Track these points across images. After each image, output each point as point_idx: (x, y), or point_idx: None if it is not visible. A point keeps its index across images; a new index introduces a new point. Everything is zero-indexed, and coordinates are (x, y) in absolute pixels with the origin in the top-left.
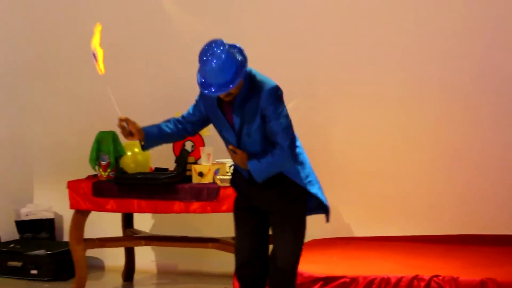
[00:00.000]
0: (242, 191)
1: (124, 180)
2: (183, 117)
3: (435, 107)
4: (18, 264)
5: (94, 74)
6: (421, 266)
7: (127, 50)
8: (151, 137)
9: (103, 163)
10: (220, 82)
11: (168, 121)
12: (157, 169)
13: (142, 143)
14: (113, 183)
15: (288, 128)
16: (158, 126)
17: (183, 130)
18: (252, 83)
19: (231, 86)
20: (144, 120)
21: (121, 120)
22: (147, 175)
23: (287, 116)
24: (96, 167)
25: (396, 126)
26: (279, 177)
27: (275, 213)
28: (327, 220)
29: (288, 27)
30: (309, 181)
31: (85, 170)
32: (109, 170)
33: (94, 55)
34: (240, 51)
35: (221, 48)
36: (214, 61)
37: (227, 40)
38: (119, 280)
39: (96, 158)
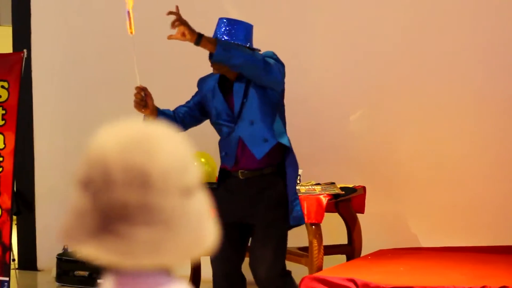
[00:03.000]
0: (227, 202)
1: None
2: (180, 110)
3: (501, 116)
4: (85, 273)
5: (152, 82)
6: (489, 276)
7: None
8: (163, 117)
9: None
10: (226, 33)
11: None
12: None
13: (148, 120)
14: None
15: (277, 65)
16: (171, 111)
17: (181, 123)
18: None
19: (234, 38)
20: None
21: (140, 89)
22: (213, 185)
23: (279, 62)
24: None
25: (463, 135)
26: (273, 179)
27: (260, 225)
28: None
29: (355, 39)
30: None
31: None
32: None
33: (128, 14)
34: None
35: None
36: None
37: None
38: None
39: None
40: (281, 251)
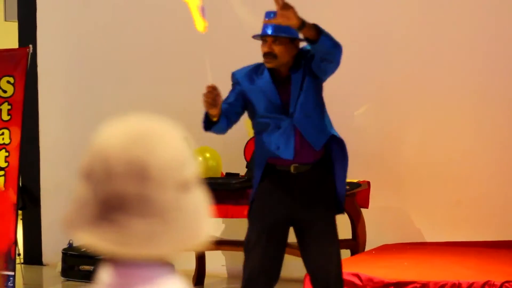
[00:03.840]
0: (276, 198)
1: None
2: (226, 109)
3: (508, 112)
4: (90, 268)
5: (159, 79)
6: (493, 271)
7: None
8: (222, 118)
9: None
10: (278, 26)
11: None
12: (228, 174)
13: (215, 119)
14: None
15: None
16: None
17: (229, 121)
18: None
19: (284, 33)
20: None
21: (213, 88)
22: (218, 180)
23: None
24: None
25: (468, 130)
26: (324, 173)
27: (316, 221)
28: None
29: (360, 35)
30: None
31: None
32: None
33: (203, 10)
34: None
35: None
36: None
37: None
38: (189, 284)
39: None
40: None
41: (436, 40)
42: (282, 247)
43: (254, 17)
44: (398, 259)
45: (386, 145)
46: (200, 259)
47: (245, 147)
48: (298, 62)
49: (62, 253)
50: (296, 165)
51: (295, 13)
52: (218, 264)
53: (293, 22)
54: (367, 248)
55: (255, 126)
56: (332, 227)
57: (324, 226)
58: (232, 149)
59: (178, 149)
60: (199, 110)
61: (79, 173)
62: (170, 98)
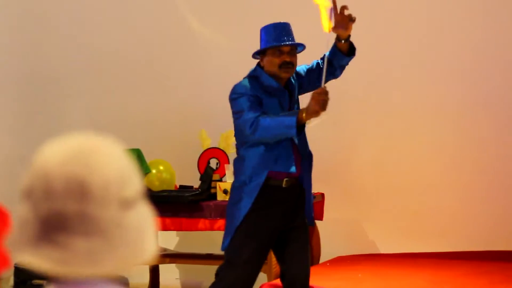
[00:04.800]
0: (270, 212)
1: (149, 198)
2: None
3: (460, 123)
4: (42, 282)
5: (113, 89)
6: (447, 282)
7: (138, 64)
8: None
9: None
10: (292, 35)
11: None
12: (182, 186)
13: (309, 124)
14: None
15: None
16: None
17: None
18: None
19: (301, 44)
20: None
21: (327, 92)
22: (172, 193)
23: None
24: None
25: (422, 141)
26: (300, 186)
27: (303, 227)
28: None
29: (313, 47)
30: None
31: None
32: None
33: (331, 12)
34: None
35: None
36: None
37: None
38: None
39: None
40: None
41: (389, 52)
42: (266, 258)
43: (207, 29)
44: (353, 271)
45: (339, 157)
46: (154, 272)
47: (198, 159)
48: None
49: (14, 267)
50: (287, 179)
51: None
52: (172, 277)
53: (348, 33)
54: (321, 260)
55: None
56: (308, 237)
57: (305, 236)
58: (186, 162)
59: (119, 166)
60: (154, 122)
61: (20, 192)
62: (124, 111)
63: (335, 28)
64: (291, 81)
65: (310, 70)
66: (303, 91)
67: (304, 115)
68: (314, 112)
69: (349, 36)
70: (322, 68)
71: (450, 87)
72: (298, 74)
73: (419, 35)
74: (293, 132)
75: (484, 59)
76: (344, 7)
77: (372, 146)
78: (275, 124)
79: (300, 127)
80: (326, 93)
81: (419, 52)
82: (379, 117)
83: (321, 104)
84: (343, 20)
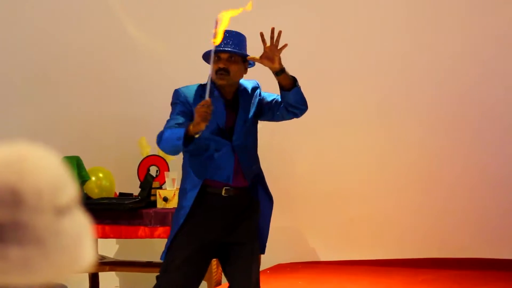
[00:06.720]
0: (207, 220)
1: (88, 206)
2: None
3: (401, 129)
4: None
5: (51, 96)
6: None
7: (95, 71)
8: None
9: None
10: (235, 43)
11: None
12: (121, 194)
13: (198, 136)
14: None
15: None
16: None
17: None
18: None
19: (243, 50)
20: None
21: (210, 104)
22: (112, 200)
23: None
24: None
25: (360, 149)
26: (250, 199)
27: (247, 244)
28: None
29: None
30: None
31: None
32: None
33: (217, 23)
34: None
35: None
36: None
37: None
38: None
39: None
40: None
41: (333, 59)
42: (204, 271)
43: (144, 34)
44: (293, 278)
45: (280, 165)
46: (94, 280)
47: (138, 167)
48: (246, 89)
49: None
50: (228, 188)
51: (279, 57)
52: (111, 285)
53: (276, 66)
54: (261, 268)
55: (191, 146)
56: (257, 251)
57: (251, 249)
58: (125, 169)
59: (52, 173)
60: (93, 129)
61: None
62: (63, 118)
63: (261, 59)
64: (247, 96)
65: (272, 101)
66: (261, 116)
67: (191, 127)
68: (197, 124)
69: (282, 70)
70: (280, 103)
71: (394, 92)
72: (263, 97)
73: (355, 42)
74: (179, 143)
75: (401, 59)
76: (279, 33)
77: (310, 155)
78: (170, 136)
79: (190, 139)
80: (208, 105)
81: (353, 60)
82: (319, 124)
83: (203, 116)
84: (270, 51)
